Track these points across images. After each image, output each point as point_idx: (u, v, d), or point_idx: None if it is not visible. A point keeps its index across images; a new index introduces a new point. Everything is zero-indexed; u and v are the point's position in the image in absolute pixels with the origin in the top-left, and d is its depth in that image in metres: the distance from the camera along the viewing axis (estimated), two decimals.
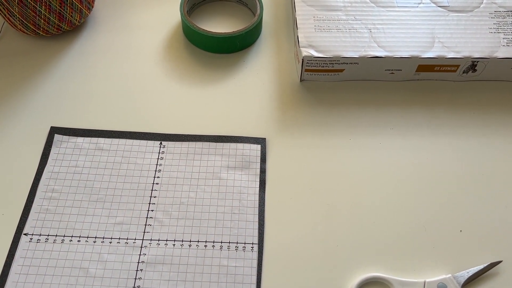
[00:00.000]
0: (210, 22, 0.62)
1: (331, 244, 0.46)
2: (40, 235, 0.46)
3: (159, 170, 0.50)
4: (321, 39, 0.55)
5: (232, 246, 0.45)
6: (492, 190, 0.50)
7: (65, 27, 0.59)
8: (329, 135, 0.53)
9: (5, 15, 0.57)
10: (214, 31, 0.58)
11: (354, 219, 0.48)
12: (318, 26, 0.56)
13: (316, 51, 0.54)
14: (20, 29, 0.58)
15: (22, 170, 0.50)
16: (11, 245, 0.45)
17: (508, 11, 0.58)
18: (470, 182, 0.50)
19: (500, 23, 0.57)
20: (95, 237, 0.46)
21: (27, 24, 0.56)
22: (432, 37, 0.55)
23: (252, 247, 0.45)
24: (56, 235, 0.46)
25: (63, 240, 0.46)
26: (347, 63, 0.54)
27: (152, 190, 0.49)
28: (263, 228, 0.47)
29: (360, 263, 0.45)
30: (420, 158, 0.52)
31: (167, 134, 0.52)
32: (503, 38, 0.55)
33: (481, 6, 0.58)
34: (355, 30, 0.56)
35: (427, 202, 0.49)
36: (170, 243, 0.46)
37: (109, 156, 0.51)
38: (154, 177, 0.49)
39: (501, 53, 0.54)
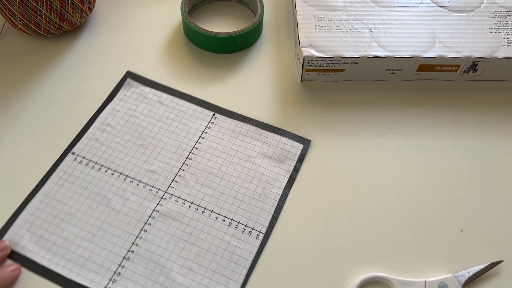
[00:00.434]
0: (210, 22, 0.62)
1: (332, 243, 0.46)
2: (84, 158, 0.51)
3: (203, 138, 0.53)
4: (321, 39, 0.55)
5: (240, 227, 0.47)
6: (493, 189, 0.50)
7: (66, 27, 0.59)
8: (330, 135, 0.53)
9: (6, 15, 0.57)
10: (214, 31, 0.58)
11: (355, 219, 0.48)
12: (318, 26, 0.56)
13: (317, 51, 0.54)
14: (21, 29, 0.58)
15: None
16: (58, 158, 0.51)
17: (509, 11, 0.58)
18: (471, 181, 0.50)
19: (501, 23, 0.57)
20: (127, 176, 0.50)
21: (28, 24, 0.56)
22: (432, 37, 0.55)
23: (258, 235, 0.47)
24: (96, 163, 0.51)
25: (100, 169, 0.50)
26: (348, 63, 0.54)
27: (190, 152, 0.52)
28: (275, 221, 0.47)
29: (361, 262, 0.45)
30: (421, 157, 0.52)
31: (221, 107, 0.55)
32: (504, 38, 0.55)
33: (482, 6, 0.58)
34: (355, 30, 0.56)
35: (427, 201, 0.49)
36: (187, 204, 0.49)
37: (166, 111, 0.55)
38: (197, 142, 0.52)
39: (502, 53, 0.54)
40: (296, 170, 0.51)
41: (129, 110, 0.55)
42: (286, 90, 0.57)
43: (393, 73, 0.56)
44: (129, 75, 0.57)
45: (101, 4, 0.65)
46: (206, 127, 0.53)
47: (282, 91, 0.57)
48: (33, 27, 0.57)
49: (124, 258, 0.45)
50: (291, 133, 0.53)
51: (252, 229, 0.47)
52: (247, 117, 0.54)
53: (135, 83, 0.56)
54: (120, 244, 0.46)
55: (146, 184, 0.50)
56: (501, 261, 0.45)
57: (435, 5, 0.59)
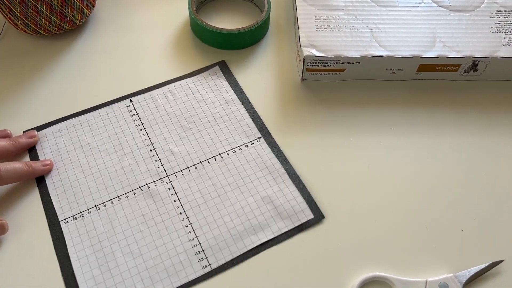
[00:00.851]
0: (216, 19, 0.62)
1: (332, 243, 0.46)
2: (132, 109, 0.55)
3: (234, 151, 0.52)
4: (322, 39, 0.55)
5: (197, 248, 0.46)
6: (494, 189, 0.50)
7: (67, 27, 0.59)
8: (330, 134, 0.53)
9: (7, 15, 0.57)
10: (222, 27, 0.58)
11: (355, 218, 0.48)
12: (319, 25, 0.56)
13: (318, 50, 0.54)
14: (22, 29, 0.58)
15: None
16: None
17: (509, 11, 0.58)
18: (472, 181, 0.50)
19: (501, 22, 0.57)
20: (151, 143, 0.52)
21: (28, 24, 0.56)
22: (433, 36, 0.55)
23: (206, 266, 0.45)
24: (139, 120, 0.54)
25: (138, 125, 0.53)
26: (349, 63, 0.54)
27: (214, 156, 0.52)
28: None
29: (362, 262, 0.45)
30: (421, 157, 0.52)
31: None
32: (504, 38, 0.55)
33: (482, 5, 0.58)
34: (356, 30, 0.56)
35: (428, 201, 0.49)
36: (174, 197, 0.49)
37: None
38: (227, 151, 0.52)
39: (502, 52, 0.54)
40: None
41: (191, 93, 0.56)
42: (287, 90, 0.57)
43: (393, 72, 0.56)
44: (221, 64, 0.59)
45: (102, 3, 0.65)
46: (244, 144, 0.52)
47: (283, 91, 0.57)
48: (33, 26, 0.57)
49: (95, 207, 0.48)
50: (310, 198, 0.49)
51: (205, 258, 0.45)
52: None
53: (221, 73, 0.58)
54: (101, 194, 0.48)
55: (159, 159, 0.51)
56: (502, 260, 0.45)
57: (435, 4, 0.59)
